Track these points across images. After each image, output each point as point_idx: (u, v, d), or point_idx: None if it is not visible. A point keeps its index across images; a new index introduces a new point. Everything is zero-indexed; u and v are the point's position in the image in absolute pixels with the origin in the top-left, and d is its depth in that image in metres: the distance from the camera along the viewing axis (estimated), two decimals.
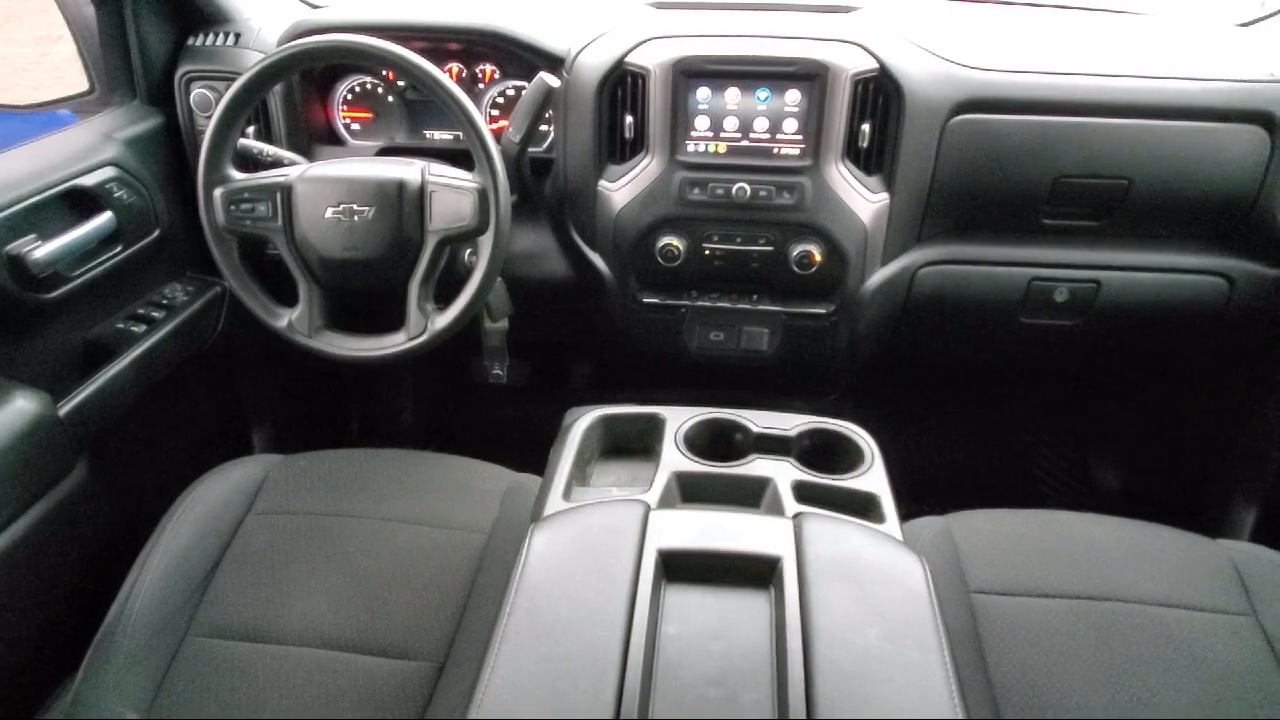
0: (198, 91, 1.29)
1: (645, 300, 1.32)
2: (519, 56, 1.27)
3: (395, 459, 1.16)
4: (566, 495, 0.88)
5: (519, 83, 1.33)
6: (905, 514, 1.09)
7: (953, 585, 0.97)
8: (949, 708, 0.60)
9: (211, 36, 1.33)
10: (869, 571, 0.72)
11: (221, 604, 0.95)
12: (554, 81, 1.10)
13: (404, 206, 1.04)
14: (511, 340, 1.35)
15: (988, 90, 1.18)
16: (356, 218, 1.04)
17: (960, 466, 1.86)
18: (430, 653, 0.90)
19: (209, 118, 1.12)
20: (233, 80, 1.05)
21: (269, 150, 1.21)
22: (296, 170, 1.08)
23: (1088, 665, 0.87)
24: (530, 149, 1.30)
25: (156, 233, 1.26)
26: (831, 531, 0.77)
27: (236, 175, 1.08)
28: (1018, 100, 1.18)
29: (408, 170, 1.05)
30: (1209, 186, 1.19)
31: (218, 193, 1.06)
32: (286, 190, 1.06)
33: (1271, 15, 1.32)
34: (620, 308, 1.34)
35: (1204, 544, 1.03)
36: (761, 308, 1.30)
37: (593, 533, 0.77)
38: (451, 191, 1.04)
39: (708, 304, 1.31)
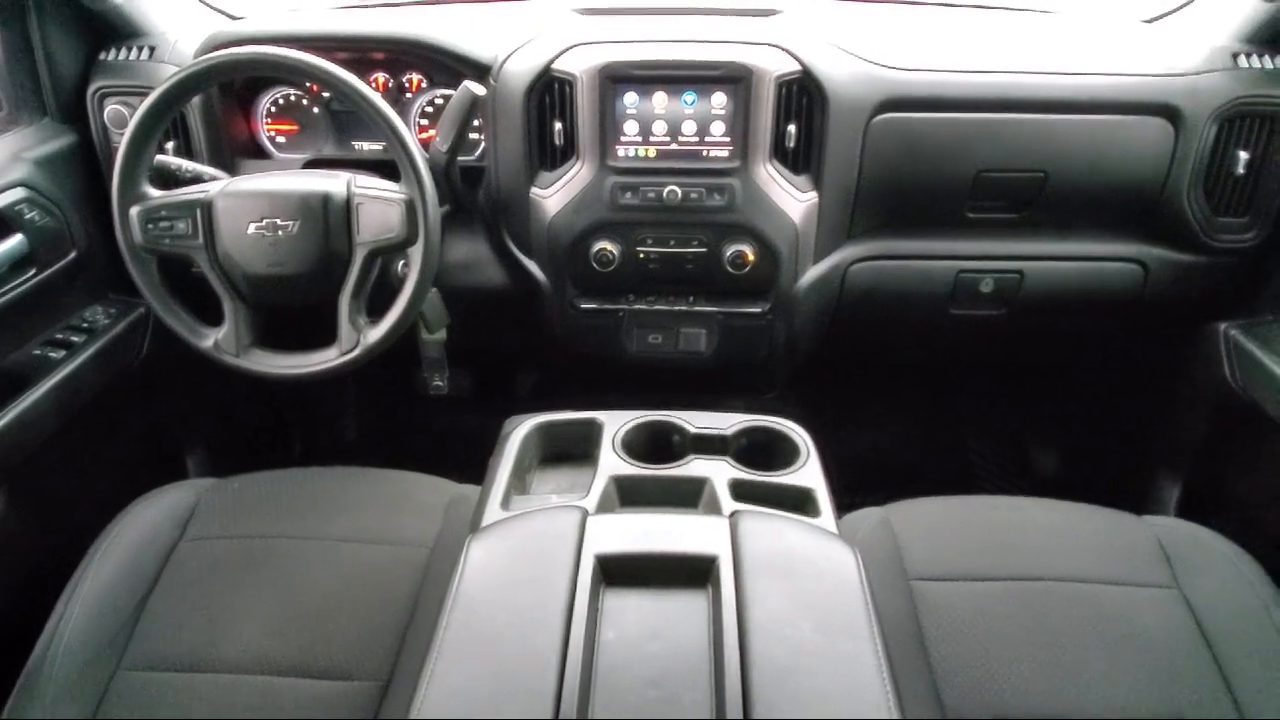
0: (111, 108, 1.25)
1: (582, 306, 1.33)
2: (445, 65, 1.26)
3: (334, 476, 1.14)
4: (505, 505, 0.88)
5: (447, 91, 1.32)
6: (846, 506, 1.11)
7: (892, 574, 0.99)
8: (880, 694, 0.61)
9: (124, 51, 1.29)
10: (803, 565, 0.73)
11: (154, 635, 0.92)
12: (479, 89, 1.09)
13: (330, 219, 1.03)
14: (451, 350, 1.34)
15: (908, 89, 1.21)
16: (281, 232, 1.02)
17: (900, 457, 1.90)
18: (374, 672, 0.89)
19: (124, 134, 1.09)
20: (147, 95, 1.03)
21: (188, 166, 1.18)
22: (217, 186, 1.05)
23: (1023, 644, 0.90)
24: (461, 157, 1.29)
25: (73, 254, 1.22)
26: (767, 528, 0.78)
27: (154, 193, 1.05)
28: (937, 98, 1.21)
29: (333, 183, 1.04)
30: (1119, 177, 1.23)
31: (134, 211, 1.03)
32: (206, 206, 1.03)
33: (1174, 11, 1.38)
34: (558, 314, 1.34)
35: (1130, 521, 1.07)
36: (698, 309, 1.32)
37: (530, 541, 0.77)
38: (379, 203, 1.03)
39: (644, 307, 1.32)
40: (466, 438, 1.50)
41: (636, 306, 1.32)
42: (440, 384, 1.37)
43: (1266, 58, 1.22)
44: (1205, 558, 1.01)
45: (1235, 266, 1.30)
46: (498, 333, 1.53)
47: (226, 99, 1.30)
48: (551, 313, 1.34)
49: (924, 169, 1.23)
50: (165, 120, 1.05)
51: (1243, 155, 1.21)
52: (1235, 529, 1.12)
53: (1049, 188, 1.24)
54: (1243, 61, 1.22)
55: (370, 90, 1.01)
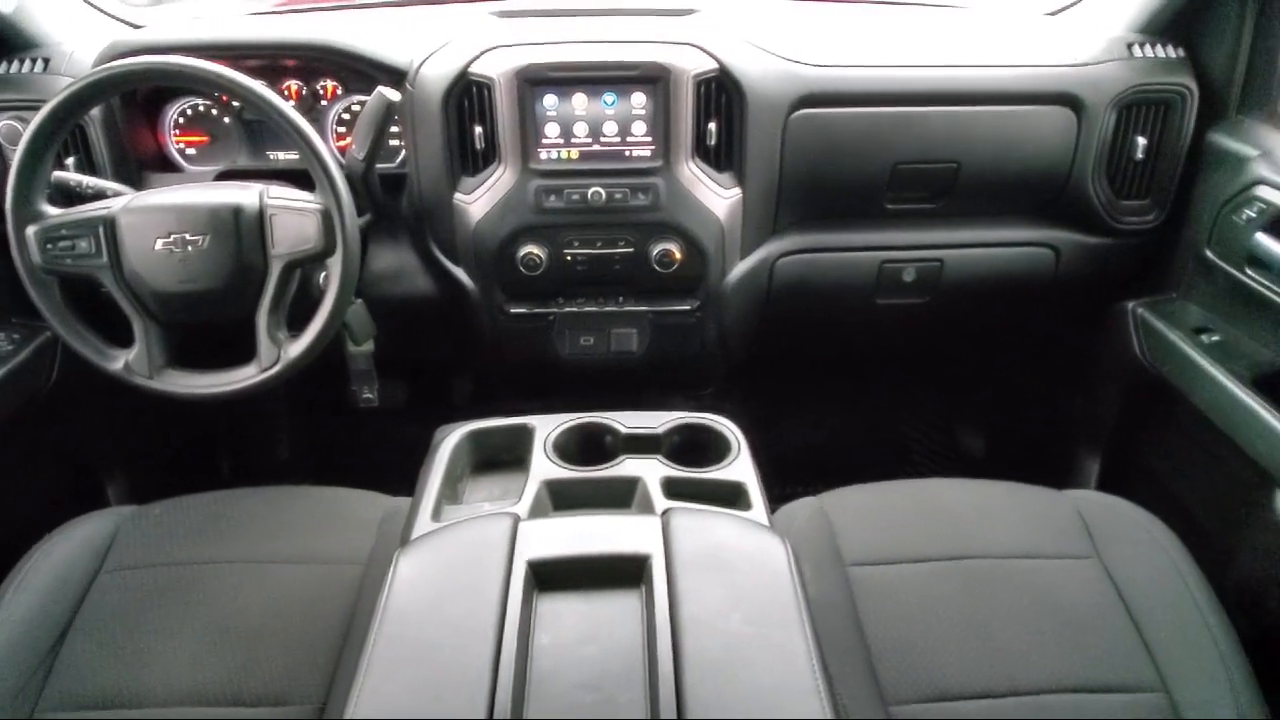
0: (4, 122, 1.19)
1: (512, 311, 1.32)
2: (360, 71, 1.23)
3: (262, 497, 1.11)
4: (436, 515, 0.87)
5: (363, 98, 1.29)
6: (785, 497, 1.13)
7: (829, 561, 1.01)
8: (810, 681, 0.62)
9: (17, 64, 1.23)
10: (733, 559, 0.74)
11: (73, 673, 0.88)
12: (393, 95, 1.08)
13: (242, 232, 1.00)
14: (382, 361, 1.32)
15: (824, 85, 1.23)
16: (190, 248, 0.99)
17: (838, 446, 1.94)
18: (309, 695, 0.87)
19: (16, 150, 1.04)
20: (41, 108, 0.98)
21: (89, 182, 1.13)
22: (120, 202, 1.01)
23: (956, 621, 0.93)
24: (381, 165, 1.27)
25: None
26: (698, 524, 0.78)
27: (52, 211, 1.01)
28: (852, 93, 1.24)
29: (244, 194, 1.01)
30: (1028, 165, 1.28)
31: (30, 231, 0.98)
32: (109, 223, 0.99)
33: (1075, 4, 1.43)
34: (488, 320, 1.32)
35: (1052, 496, 1.11)
36: (628, 309, 1.32)
37: (461, 551, 0.76)
38: (293, 214, 1.00)
39: (574, 309, 1.32)
40: (404, 449, 1.48)
41: (566, 309, 1.32)
42: (370, 396, 1.35)
43: (1159, 47, 1.28)
44: (1122, 527, 1.05)
45: (1140, 247, 1.36)
46: (428, 342, 1.51)
47: (130, 110, 1.25)
48: (481, 319, 1.33)
49: (843, 163, 1.26)
50: (61, 134, 1.01)
51: (1141, 141, 1.26)
52: (1151, 498, 1.17)
53: (962, 177, 1.27)
54: (1137, 51, 1.27)
55: (277, 97, 0.99)
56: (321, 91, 1.29)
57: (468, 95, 1.19)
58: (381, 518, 1.07)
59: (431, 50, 1.21)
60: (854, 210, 1.32)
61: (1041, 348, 1.67)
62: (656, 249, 1.24)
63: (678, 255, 1.24)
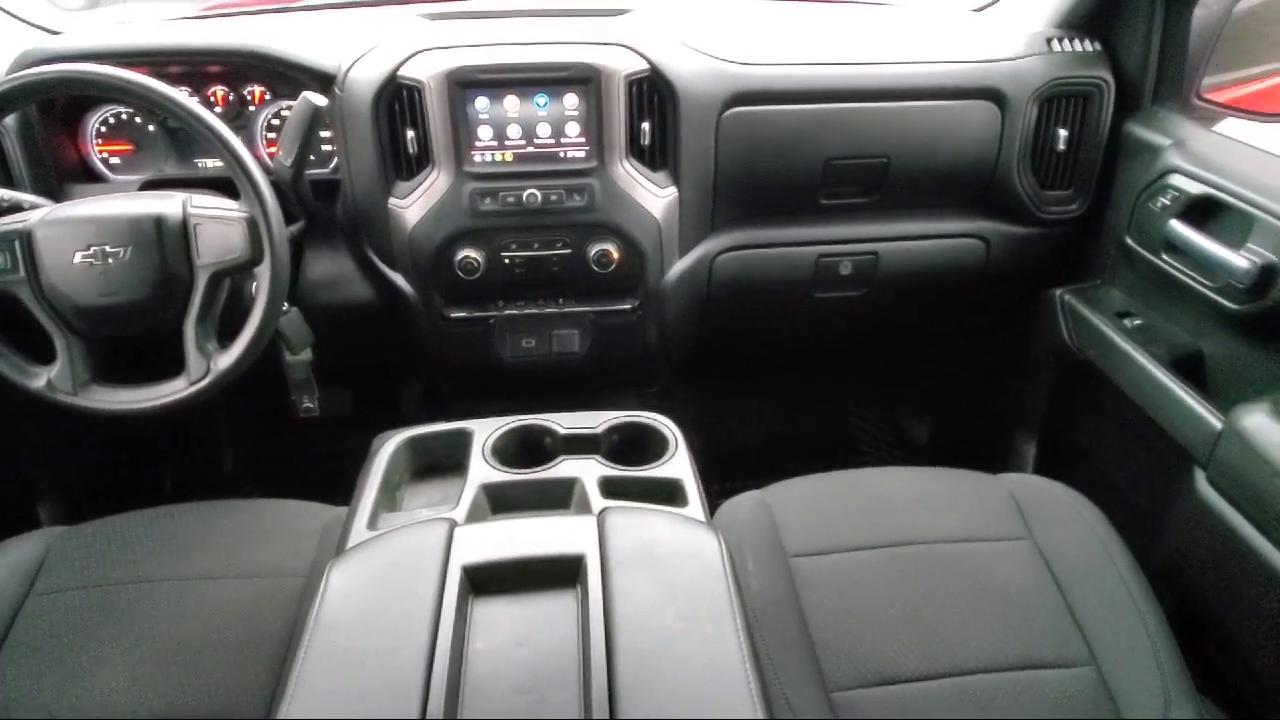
0: None
1: (452, 315, 1.31)
2: (287, 76, 1.21)
3: (200, 512, 1.08)
4: (372, 524, 0.86)
5: (292, 103, 1.27)
6: (731, 491, 1.14)
7: (771, 553, 1.02)
8: (740, 671, 0.63)
9: None
10: (667, 555, 0.74)
11: (2, 702, 0.86)
12: (319, 100, 1.06)
13: (165, 243, 0.98)
14: (326, 369, 1.30)
15: (755, 83, 1.24)
16: (111, 260, 0.96)
17: (784, 440, 1.96)
18: (250, 709, 0.85)
19: None
20: None
21: (5, 194, 1.10)
22: (37, 214, 0.98)
23: (896, 608, 0.95)
24: (314, 170, 1.25)
25: None
26: (633, 522, 0.78)
27: None
28: (784, 91, 1.25)
29: (166, 204, 0.99)
30: (956, 158, 1.31)
31: None
32: (25, 237, 0.96)
33: (1000, 0, 1.47)
34: (428, 325, 1.31)
35: (987, 480, 1.13)
36: (568, 310, 1.32)
37: (394, 559, 0.75)
38: (218, 223, 0.98)
39: (515, 312, 1.31)
40: (350, 458, 1.46)
41: (507, 312, 1.31)
42: (310, 405, 1.33)
43: (1077, 41, 1.32)
44: (1053, 509, 1.08)
45: (1065, 236, 1.40)
46: (369, 349, 1.49)
47: (49, 120, 1.21)
48: (421, 325, 1.32)
49: (776, 159, 1.27)
50: None
51: (1062, 133, 1.30)
52: (1084, 478, 1.21)
53: (893, 171, 1.30)
54: (1056, 46, 1.31)
55: (193, 102, 0.97)
56: (249, 97, 1.27)
57: (398, 99, 1.18)
58: (323, 528, 1.06)
59: (360, 54, 1.20)
60: (789, 206, 1.34)
61: (976, 336, 1.71)
62: (594, 249, 1.25)
63: (616, 255, 1.25)
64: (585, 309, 1.32)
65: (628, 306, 1.32)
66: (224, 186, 1.09)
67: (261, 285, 1.01)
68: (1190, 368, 1.15)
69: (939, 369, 1.88)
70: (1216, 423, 1.03)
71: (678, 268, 1.31)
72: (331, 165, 1.28)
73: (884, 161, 1.29)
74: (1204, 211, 1.13)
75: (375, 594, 0.72)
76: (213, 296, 1.01)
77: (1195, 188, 1.13)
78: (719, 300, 1.39)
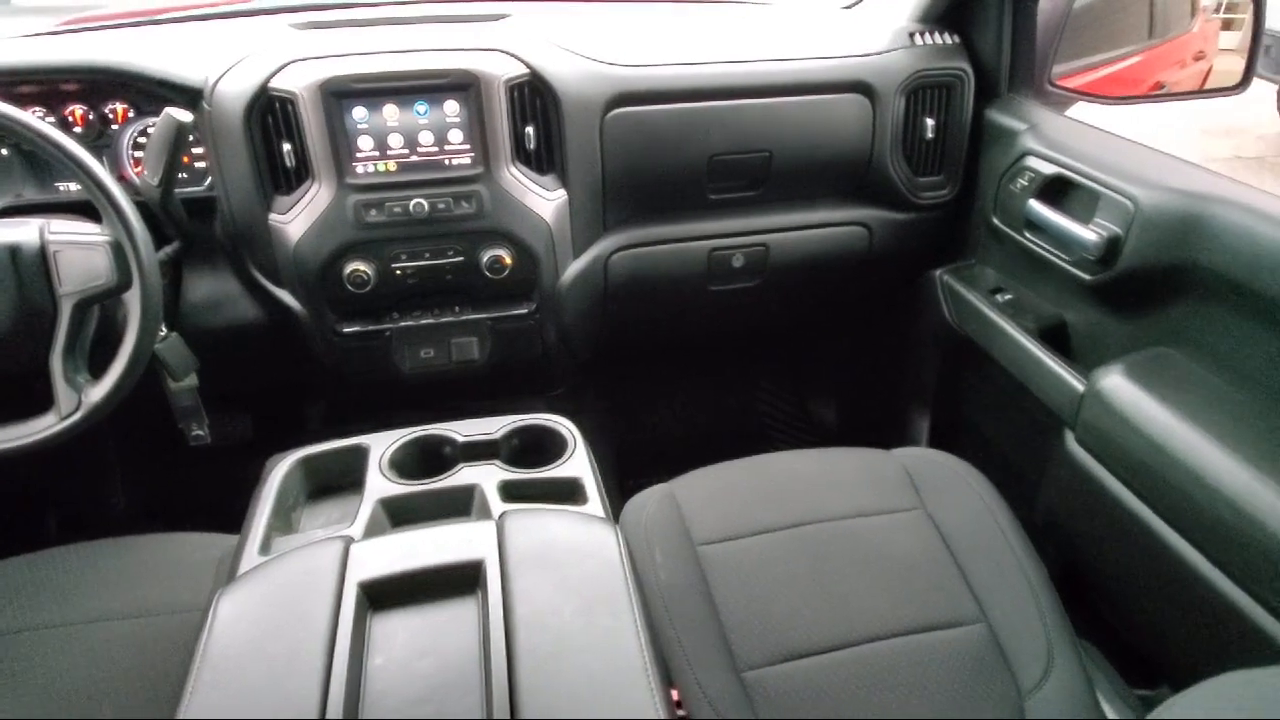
0: None
1: (345, 330, 1.28)
2: (150, 92, 1.16)
3: (84, 553, 1.03)
4: (265, 549, 0.84)
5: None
6: (642, 486, 1.15)
7: (680, 543, 1.04)
8: (638, 660, 0.64)
9: None
10: (565, 554, 0.75)
11: None
12: (183, 116, 1.02)
13: (22, 273, 0.92)
14: (218, 395, 1.25)
15: (636, 84, 1.26)
16: None
17: (696, 432, 1.99)
18: None
19: None
20: None
21: None
22: None
23: (800, 584, 0.98)
24: (188, 188, 1.20)
25: None
26: (531, 523, 0.79)
27: None
28: (664, 90, 1.28)
29: (20, 232, 0.93)
30: (833, 150, 1.36)
31: None
32: None
33: None
34: (321, 342, 1.28)
35: (882, 456, 1.18)
36: (466, 317, 1.31)
37: (287, 582, 0.74)
38: (80, 249, 0.93)
39: (411, 323, 1.30)
40: (252, 484, 1.41)
41: (403, 324, 1.30)
42: (201, 433, 1.28)
43: (937, 35, 1.39)
44: (944, 479, 1.14)
45: (940, 220, 1.47)
46: (263, 370, 1.45)
47: None
48: (314, 342, 1.28)
49: (662, 158, 1.30)
50: None
51: (929, 121, 1.37)
52: (973, 448, 1.27)
53: (775, 165, 1.34)
54: (918, 40, 1.37)
55: (37, 121, 0.92)
56: (111, 115, 1.21)
57: (270, 111, 1.14)
58: (220, 557, 1.02)
59: (227, 66, 1.16)
60: (679, 203, 1.37)
61: (868, 319, 1.78)
62: (486, 256, 1.24)
63: (508, 260, 1.25)
64: (482, 315, 1.31)
65: (525, 311, 1.32)
66: (89, 210, 1.03)
67: (132, 311, 0.96)
68: (1056, 337, 1.23)
69: (837, 353, 1.95)
70: (1079, 386, 1.11)
71: (573, 269, 1.31)
72: (206, 183, 1.23)
73: (766, 155, 1.33)
74: (1058, 190, 1.21)
75: (266, 620, 0.70)
76: (79, 326, 0.96)
77: (1048, 169, 1.21)
78: (617, 299, 1.40)
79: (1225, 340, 1.00)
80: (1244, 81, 1.28)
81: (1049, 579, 1.01)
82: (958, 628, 0.94)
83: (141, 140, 1.23)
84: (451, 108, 1.18)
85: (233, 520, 1.11)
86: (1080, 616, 1.01)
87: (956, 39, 1.39)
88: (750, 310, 1.62)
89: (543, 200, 1.24)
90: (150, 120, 1.23)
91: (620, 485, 1.71)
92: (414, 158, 1.19)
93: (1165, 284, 1.05)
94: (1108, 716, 0.99)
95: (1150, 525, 0.98)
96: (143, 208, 1.02)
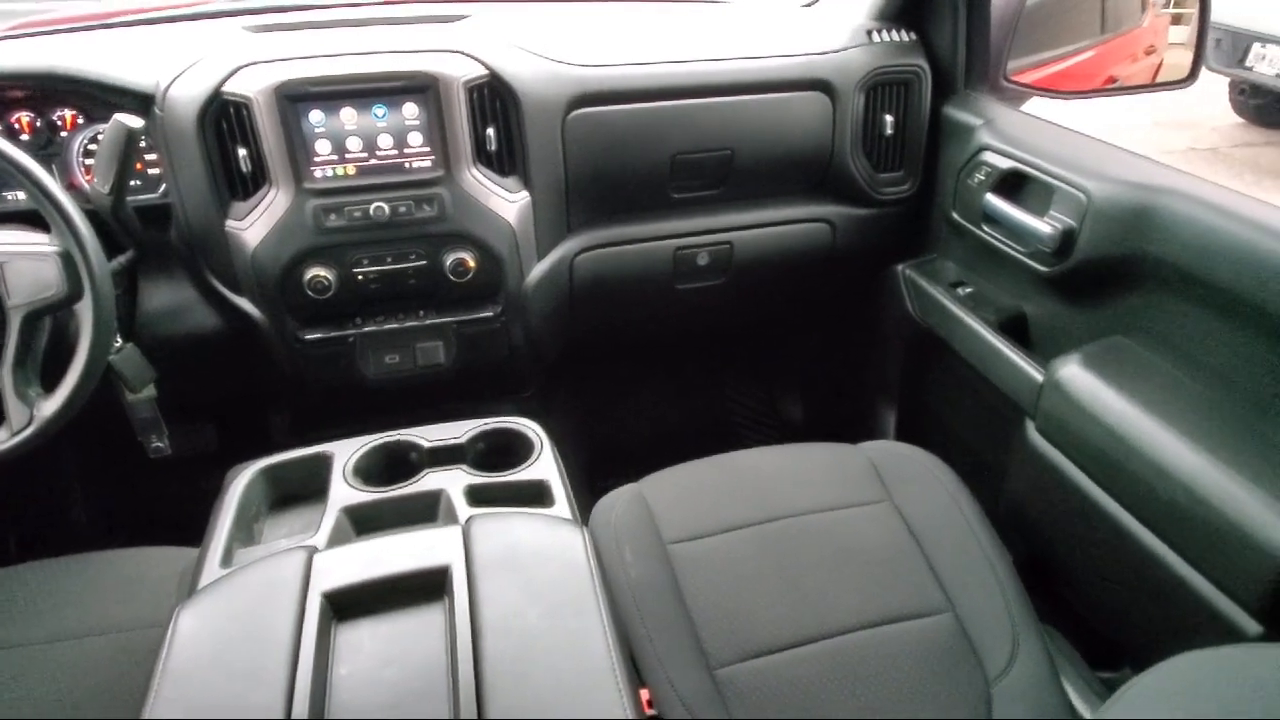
0: None
1: (307, 337, 1.26)
2: (100, 98, 1.14)
3: (46, 570, 1.00)
4: (226, 561, 0.82)
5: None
6: (612, 487, 1.15)
7: (649, 543, 1.04)
8: (605, 660, 0.64)
9: None
10: (530, 557, 0.75)
11: None
12: (133, 122, 1.00)
13: None
14: (180, 406, 1.23)
15: (596, 85, 1.26)
16: None
17: (666, 432, 2.00)
18: None
19: None
20: None
21: None
22: None
23: (769, 580, 0.98)
24: (142, 195, 1.18)
25: None
26: (497, 527, 0.78)
27: None
28: (625, 90, 1.28)
29: None
30: (795, 147, 1.37)
31: None
32: None
33: None
34: (282, 350, 1.27)
35: (848, 450, 1.19)
36: (430, 321, 1.30)
37: (249, 594, 0.73)
38: (27, 259, 0.91)
39: (375, 328, 1.28)
40: (216, 496, 1.39)
41: (366, 329, 1.28)
42: (161, 445, 1.26)
43: (894, 32, 1.40)
44: (909, 470, 1.15)
45: (902, 215, 1.49)
46: (224, 379, 1.42)
47: None
48: (275, 350, 1.26)
49: (624, 157, 1.30)
50: None
51: (888, 118, 1.39)
52: (938, 440, 1.29)
53: (737, 163, 1.35)
54: (876, 37, 1.39)
55: None
56: (59, 122, 1.18)
57: (225, 116, 1.13)
58: (182, 571, 1.00)
59: (179, 71, 1.14)
60: (642, 202, 1.37)
61: (833, 315, 1.80)
62: (450, 259, 1.23)
63: (472, 263, 1.24)
64: (447, 319, 1.30)
65: (490, 314, 1.31)
66: (38, 220, 1.01)
67: (84, 322, 0.94)
68: (1015, 328, 1.25)
69: (803, 349, 1.96)
70: (1038, 376, 1.13)
71: (537, 271, 1.31)
72: (160, 189, 1.21)
73: (728, 154, 1.33)
74: (1014, 184, 1.23)
75: (228, 633, 0.69)
76: (29, 339, 0.94)
77: (1004, 163, 1.23)
78: (584, 300, 1.40)
79: (1178, 328, 1.02)
80: (1192, 75, 1.31)
81: (1013, 567, 1.03)
82: (925, 618, 0.95)
83: (92, 147, 1.21)
84: (410, 110, 1.17)
85: (197, 533, 1.09)
86: (1044, 602, 1.03)
87: (914, 36, 1.40)
88: (716, 308, 1.63)
89: (505, 202, 1.24)
90: (100, 126, 1.20)
91: (590, 486, 1.71)
92: (373, 161, 1.18)
93: (1119, 274, 1.08)
94: (1071, 700, 1.01)
95: (1109, 511, 1.00)
96: (94, 216, 0.99)
